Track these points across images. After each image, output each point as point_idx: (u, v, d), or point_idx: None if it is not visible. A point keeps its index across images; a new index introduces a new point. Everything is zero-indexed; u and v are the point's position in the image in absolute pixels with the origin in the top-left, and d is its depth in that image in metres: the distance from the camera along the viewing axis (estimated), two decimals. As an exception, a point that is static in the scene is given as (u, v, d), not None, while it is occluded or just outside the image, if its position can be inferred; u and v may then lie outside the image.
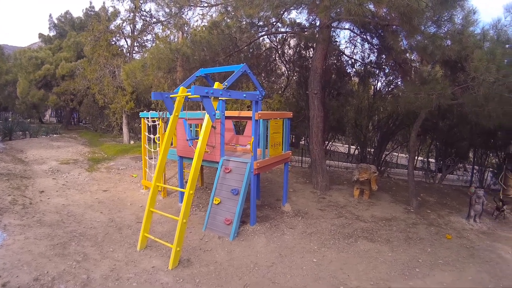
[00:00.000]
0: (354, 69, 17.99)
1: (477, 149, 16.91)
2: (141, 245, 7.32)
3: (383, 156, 17.31)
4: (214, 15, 17.07)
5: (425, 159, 18.30)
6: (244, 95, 8.33)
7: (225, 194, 8.26)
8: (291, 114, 9.96)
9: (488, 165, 16.93)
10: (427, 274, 7.12)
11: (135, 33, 23.33)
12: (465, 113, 10.20)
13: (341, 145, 22.33)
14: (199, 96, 6.81)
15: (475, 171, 16.85)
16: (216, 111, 7.42)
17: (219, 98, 7.76)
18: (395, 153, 20.49)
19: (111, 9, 23.90)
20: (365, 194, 11.59)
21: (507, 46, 8.89)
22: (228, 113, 9.45)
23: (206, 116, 7.13)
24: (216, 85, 7.40)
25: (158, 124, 10.84)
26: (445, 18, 9.37)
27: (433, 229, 9.63)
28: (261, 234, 8.29)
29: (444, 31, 9.71)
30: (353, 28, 14.43)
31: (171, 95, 7.96)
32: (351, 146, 18.66)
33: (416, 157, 20.15)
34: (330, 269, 6.94)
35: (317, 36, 12.46)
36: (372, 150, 17.78)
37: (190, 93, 7.06)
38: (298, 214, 9.80)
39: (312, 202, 10.93)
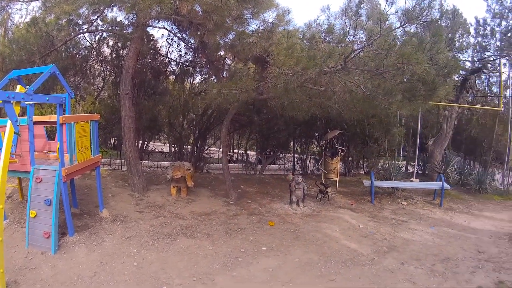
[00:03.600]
0: (170, 68, 18.07)
1: (297, 139, 18.08)
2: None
3: (201, 152, 17.53)
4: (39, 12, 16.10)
5: (244, 152, 19.03)
6: (47, 98, 7.93)
7: (40, 206, 7.76)
8: (98, 116, 9.65)
9: (309, 152, 18.08)
10: (251, 262, 7.39)
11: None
12: (271, 106, 10.58)
13: (162, 144, 22.30)
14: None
15: (296, 159, 17.90)
16: (19, 117, 7.07)
17: (26, 103, 7.43)
18: (215, 149, 21.00)
19: None
20: (182, 192, 11.61)
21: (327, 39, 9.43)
22: (37, 118, 8.91)
23: (9, 123, 6.78)
24: (19, 88, 7.08)
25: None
26: (248, 16, 9.72)
27: (255, 218, 10.03)
28: (82, 244, 7.98)
29: (253, 29, 10.09)
30: (172, 28, 14.40)
31: (-26, 101, 7.46)
32: (173, 145, 18.62)
33: (237, 151, 21.03)
34: (151, 271, 6.96)
35: (130, 35, 12.30)
36: (189, 147, 17.99)
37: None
38: (117, 218, 9.54)
39: (131, 205, 10.71)
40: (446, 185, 12.49)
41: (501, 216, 11.61)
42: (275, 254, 7.79)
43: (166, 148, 20.69)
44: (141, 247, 7.97)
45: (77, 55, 16.52)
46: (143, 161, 16.59)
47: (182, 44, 16.81)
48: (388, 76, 8.31)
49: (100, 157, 9.80)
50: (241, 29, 10.15)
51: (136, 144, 14.74)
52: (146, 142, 18.82)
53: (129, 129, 11.78)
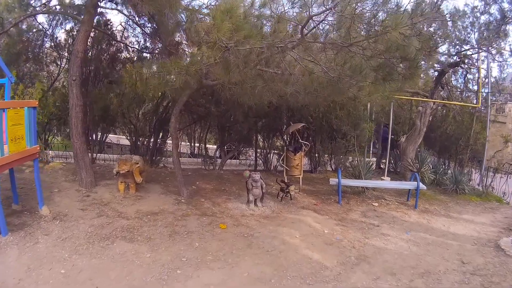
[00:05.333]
0: (127, 54, 17.53)
1: (260, 132, 17.52)
2: None
3: (157, 145, 16.95)
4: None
5: (203, 146, 18.76)
6: (-22, 83, 7.36)
7: (-28, 202, 7.20)
8: (36, 103, 8.96)
9: (274, 147, 17.54)
10: (190, 275, 6.68)
11: None
12: (223, 94, 9.98)
13: (124, 137, 21.63)
14: None
15: (259, 154, 17.36)
16: None
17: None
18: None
19: None
20: (131, 188, 10.94)
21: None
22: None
23: None
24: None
25: None
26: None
27: (206, 219, 9.37)
28: (14, 245, 7.28)
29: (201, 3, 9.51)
30: (130, 12, 13.97)
31: None
32: (127, 137, 17.99)
33: (198, 144, 21.13)
34: (78, 281, 6.27)
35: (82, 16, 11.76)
36: (146, 140, 17.30)
37: None
38: (57, 217, 8.79)
39: (75, 201, 9.96)
40: (422, 185, 11.97)
41: (482, 220, 11.07)
42: (221, 266, 7.10)
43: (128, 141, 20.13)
44: (74, 251, 7.27)
45: (30, 40, 16.07)
46: (101, 154, 16.16)
47: (138, 29, 16.48)
48: (356, 49, 7.37)
49: (38, 148, 9.01)
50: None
51: (93, 136, 15.01)
52: (106, 134, 18.16)
53: (77, 119, 11.12)
